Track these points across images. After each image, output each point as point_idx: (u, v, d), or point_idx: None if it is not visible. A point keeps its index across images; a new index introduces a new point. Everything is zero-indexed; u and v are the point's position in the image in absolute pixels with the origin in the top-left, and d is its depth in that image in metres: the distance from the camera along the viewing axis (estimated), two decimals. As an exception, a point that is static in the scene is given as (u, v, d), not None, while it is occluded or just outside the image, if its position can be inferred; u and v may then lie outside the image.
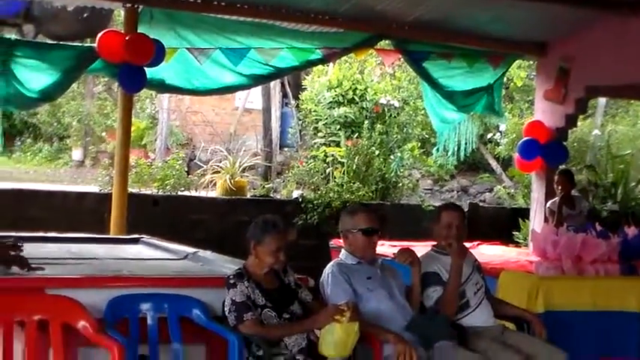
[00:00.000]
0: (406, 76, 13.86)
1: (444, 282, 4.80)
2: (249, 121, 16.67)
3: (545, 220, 8.65)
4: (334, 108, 12.87)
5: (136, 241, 6.64)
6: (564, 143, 9.43)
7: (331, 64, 12.79)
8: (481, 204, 13.15)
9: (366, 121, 12.52)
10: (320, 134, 12.92)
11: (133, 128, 9.15)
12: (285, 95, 15.64)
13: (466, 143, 10.23)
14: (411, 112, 13.34)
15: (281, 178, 13.64)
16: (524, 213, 10.65)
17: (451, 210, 5.08)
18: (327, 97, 12.98)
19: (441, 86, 9.49)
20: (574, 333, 5.31)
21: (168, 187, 10.92)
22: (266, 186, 12.30)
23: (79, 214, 9.27)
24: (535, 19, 8.67)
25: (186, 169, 12.63)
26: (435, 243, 5.08)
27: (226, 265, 5.04)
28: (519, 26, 8.92)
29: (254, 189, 12.40)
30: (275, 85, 14.58)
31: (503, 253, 7.75)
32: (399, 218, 10.81)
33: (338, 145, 12.40)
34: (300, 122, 14.03)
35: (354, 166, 11.74)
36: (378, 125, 12.53)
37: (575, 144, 12.82)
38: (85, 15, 9.66)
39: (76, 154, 15.90)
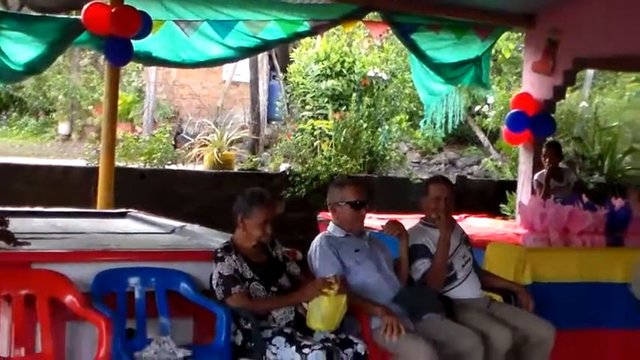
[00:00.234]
0: (394, 48, 13.79)
1: (431, 254, 4.81)
2: (237, 95, 16.58)
3: (533, 192, 8.65)
4: (322, 81, 12.81)
5: (123, 215, 6.62)
6: (552, 115, 9.42)
7: (319, 36, 12.71)
8: (469, 177, 13.15)
9: (354, 94, 12.47)
10: (308, 107, 12.86)
11: (119, 102, 9.09)
12: (272, 68, 15.56)
13: (454, 116, 10.20)
14: (398, 85, 13.29)
15: (268, 151, 13.61)
16: (512, 185, 10.66)
17: (439, 183, 5.08)
18: (315, 69, 12.92)
19: (428, 58, 9.43)
20: (561, 304, 5.33)
21: (155, 161, 10.88)
22: (253, 159, 12.27)
23: (66, 188, 9.22)
24: (524, -10, 8.64)
25: (173, 143, 12.57)
26: (423, 216, 5.09)
27: (214, 238, 5.03)
28: (508, -2, 8.88)
29: (241, 162, 12.37)
30: (262, 58, 14.50)
31: (490, 226, 7.77)
32: (387, 191, 10.82)
33: (326, 118, 12.36)
34: (288, 95, 13.96)
35: (342, 139, 11.71)
36: (366, 98, 12.48)
37: (562, 116, 12.81)
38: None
39: (63, 127, 15.79)
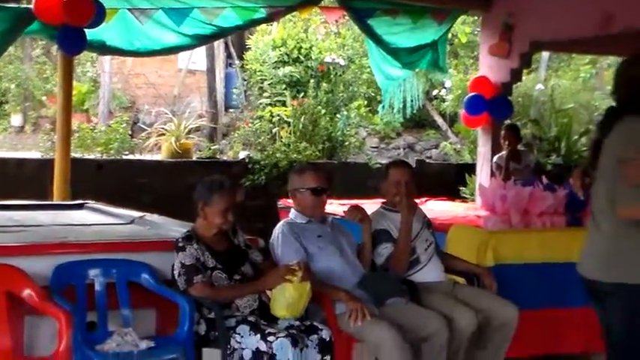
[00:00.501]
0: (351, 34, 13.78)
1: (394, 239, 4.81)
2: (194, 83, 16.43)
3: (492, 174, 8.71)
4: (279, 67, 12.75)
5: (80, 206, 6.52)
6: (509, 98, 9.47)
7: (275, 23, 12.64)
8: (427, 160, 13.21)
9: (312, 80, 12.44)
10: (265, 94, 12.80)
11: (74, 92, 8.97)
12: (229, 55, 15.44)
13: (412, 100, 10.20)
14: (356, 70, 13.28)
15: (227, 139, 13.52)
16: (471, 168, 10.72)
17: (399, 167, 5.07)
18: (272, 56, 12.85)
19: (385, 43, 9.42)
20: (523, 285, 5.36)
21: (112, 152, 10.76)
22: (212, 147, 12.19)
23: (20, 181, 9.07)
24: (479, -27, 8.65)
25: (130, 133, 12.45)
26: (384, 200, 5.07)
27: (174, 228, 4.97)
28: (463, -19, 8.90)
29: (200, 151, 12.28)
30: (219, 45, 14.37)
31: (451, 209, 7.80)
32: (347, 177, 10.82)
33: (284, 104, 12.31)
34: (245, 82, 13.88)
35: (301, 126, 11.68)
36: (324, 84, 12.46)
37: (519, 99, 12.89)
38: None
39: (16, 119, 15.50)
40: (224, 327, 4.02)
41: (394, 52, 9.53)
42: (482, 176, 9.22)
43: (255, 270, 4.35)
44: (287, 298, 4.06)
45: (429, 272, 4.91)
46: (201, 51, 14.12)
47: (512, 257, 5.48)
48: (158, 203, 7.70)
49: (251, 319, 4.09)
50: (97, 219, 5.89)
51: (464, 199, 9.92)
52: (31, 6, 7.39)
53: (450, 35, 11.23)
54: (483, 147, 9.49)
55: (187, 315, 4.03)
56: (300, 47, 12.84)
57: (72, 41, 7.50)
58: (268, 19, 9.31)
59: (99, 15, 7.42)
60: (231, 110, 15.08)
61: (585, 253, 3.56)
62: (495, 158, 8.72)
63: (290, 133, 11.64)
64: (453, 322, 4.41)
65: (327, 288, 4.36)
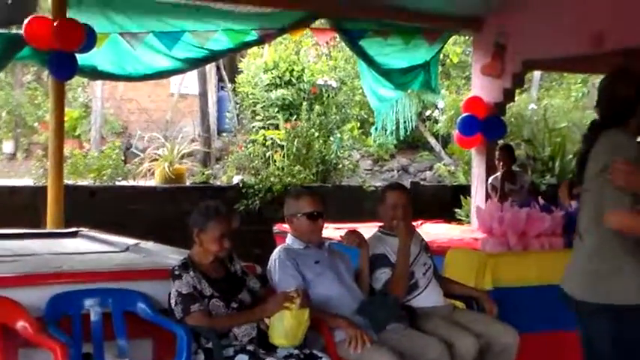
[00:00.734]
0: (342, 55, 13.80)
1: (392, 263, 4.75)
2: (186, 107, 16.42)
3: (487, 196, 8.69)
4: (271, 90, 12.75)
5: (74, 234, 6.44)
6: (502, 118, 9.47)
7: (266, 45, 12.64)
8: (422, 182, 13.19)
9: (305, 103, 12.43)
10: (258, 117, 12.78)
11: (66, 118, 8.90)
12: (220, 79, 15.44)
13: (405, 122, 10.22)
14: (348, 92, 13.30)
15: (220, 163, 13.48)
16: (465, 190, 10.69)
17: (396, 190, 5.03)
18: (264, 79, 12.85)
19: (377, 64, 9.44)
20: (522, 308, 5.30)
21: (105, 178, 10.70)
22: (205, 172, 12.15)
23: (13, 209, 8.99)
24: (470, -6, 8.68)
25: (122, 159, 12.39)
26: (381, 224, 5.03)
27: (170, 255, 4.90)
28: (454, 1, 8.90)
29: (193, 176, 12.23)
30: (210, 69, 14.39)
31: (446, 231, 7.76)
32: (341, 200, 10.78)
33: (277, 128, 12.29)
34: (238, 106, 13.86)
35: (294, 149, 11.65)
36: (317, 106, 12.45)
37: (512, 119, 12.91)
38: (10, 1, 9.33)
39: (7, 146, 15.46)
40: (222, 357, 3.94)
41: (386, 73, 9.55)
42: (478, 198, 9.19)
43: (252, 297, 4.29)
44: (285, 325, 3.99)
45: (428, 297, 4.85)
46: (192, 75, 14.12)
47: (511, 280, 5.43)
48: (152, 230, 7.63)
49: (249, 348, 4.02)
50: (91, 247, 5.81)
51: (459, 222, 9.90)
52: (22, 31, 7.36)
53: (441, 56, 11.25)
54: (478, 168, 9.48)
55: (185, 345, 3.95)
56: (292, 70, 12.85)
57: (63, 66, 7.47)
58: (260, 42, 9.32)
59: (90, 40, 7.41)
60: (224, 134, 15.06)
61: (570, 272, 3.56)
62: (490, 179, 8.69)
63: (284, 157, 11.60)
64: (454, 347, 4.35)
65: (326, 315, 4.30)
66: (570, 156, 12.93)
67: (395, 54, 9.52)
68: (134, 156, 13.23)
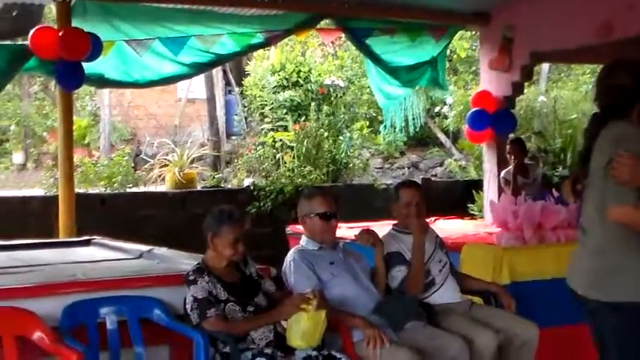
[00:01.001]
0: (349, 55, 13.76)
1: (407, 261, 4.72)
2: (194, 112, 16.40)
3: (500, 190, 8.62)
4: (279, 92, 12.72)
5: (87, 242, 6.43)
6: (512, 111, 9.41)
7: (272, 47, 12.62)
8: (433, 179, 13.13)
9: (313, 103, 12.39)
10: (267, 120, 12.76)
11: (74, 127, 8.90)
12: (227, 83, 15.41)
13: (413, 119, 10.19)
14: (356, 91, 13.25)
15: (230, 167, 13.45)
16: (477, 184, 10.64)
17: (410, 188, 5.01)
18: (272, 81, 12.82)
19: (384, 62, 9.41)
20: (541, 302, 5.26)
21: (115, 185, 10.68)
22: (216, 176, 12.12)
23: (25, 219, 9.01)
24: (475, -12, 8.64)
25: (132, 165, 12.36)
26: (395, 222, 4.99)
27: (183, 260, 4.89)
28: (460, -3, 8.88)
29: (204, 180, 12.21)
30: (217, 73, 14.34)
31: (461, 227, 7.72)
32: (353, 199, 10.74)
33: (286, 129, 12.26)
34: (246, 109, 13.84)
35: (304, 150, 11.61)
36: (325, 106, 12.42)
37: (521, 112, 12.84)
38: (15, 13, 9.35)
39: (17, 157, 15.46)
40: (240, 361, 3.92)
41: (393, 71, 9.52)
42: (490, 192, 9.15)
43: (268, 300, 4.26)
44: (303, 327, 3.96)
45: (445, 293, 4.82)
46: (199, 79, 14.11)
47: (528, 274, 5.39)
48: (165, 235, 7.65)
49: (267, 351, 4.00)
50: (104, 255, 5.80)
51: (472, 216, 9.84)
52: (27, 42, 7.35)
53: (448, 51, 11.21)
54: (489, 162, 9.43)
55: (202, 350, 3.93)
56: (299, 71, 12.82)
57: (70, 76, 7.46)
58: (266, 44, 9.29)
59: (95, 48, 7.39)
60: (233, 137, 15.02)
61: (574, 268, 3.50)
62: (503, 173, 8.63)
63: (294, 158, 11.57)
64: (473, 343, 4.32)
65: (343, 315, 4.27)
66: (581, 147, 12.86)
67: (401, 51, 9.48)
68: (144, 162, 13.20)
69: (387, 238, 4.82)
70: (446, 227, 7.33)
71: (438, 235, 5.11)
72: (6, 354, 3.83)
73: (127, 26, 8.02)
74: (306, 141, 11.66)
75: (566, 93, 15.02)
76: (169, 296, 4.27)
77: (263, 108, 12.85)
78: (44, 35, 7.31)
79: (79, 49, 7.26)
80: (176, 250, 5.41)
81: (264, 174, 11.47)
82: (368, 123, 13.52)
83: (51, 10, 9.14)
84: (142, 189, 11.16)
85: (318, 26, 9.40)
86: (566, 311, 5.38)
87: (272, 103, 12.68)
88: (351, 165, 12.34)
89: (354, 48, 11.33)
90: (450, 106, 14.07)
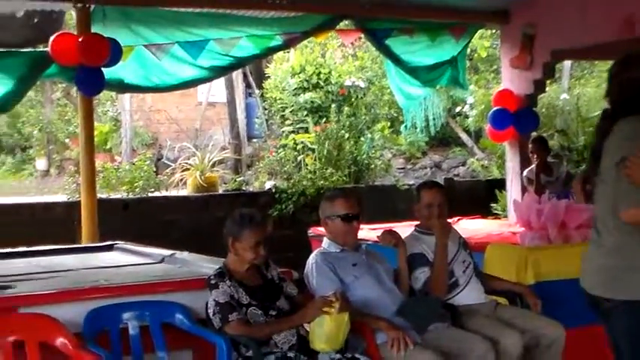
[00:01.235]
0: (369, 55, 13.72)
1: (430, 262, 4.68)
2: (214, 115, 16.43)
3: (523, 189, 8.56)
4: (299, 94, 12.71)
5: (110, 247, 6.45)
6: (534, 109, 9.34)
7: (292, 49, 12.61)
8: (456, 178, 13.07)
9: (333, 105, 12.38)
10: (288, 122, 12.75)
11: (96, 132, 8.94)
12: (248, 85, 15.42)
13: (434, 118, 10.12)
14: (377, 92, 13.21)
15: (252, 170, 13.45)
16: (500, 184, 10.57)
17: (431, 188, 4.96)
18: (292, 83, 12.82)
19: (404, 62, 9.36)
20: (566, 302, 5.17)
21: (137, 190, 10.70)
22: (237, 179, 12.11)
23: (49, 224, 9.02)
24: (495, -14, 8.58)
25: (154, 170, 12.39)
26: (417, 223, 4.95)
27: (205, 264, 4.87)
28: (480, -5, 8.83)
29: (225, 183, 12.21)
30: (237, 76, 14.34)
31: (484, 227, 7.66)
32: (375, 200, 10.71)
33: (307, 131, 12.24)
34: (266, 111, 13.84)
35: (325, 152, 11.59)
36: (346, 108, 12.40)
37: (544, 110, 12.74)
38: (36, 20, 9.39)
39: (40, 163, 15.56)
40: (263, 365, 3.90)
41: (413, 71, 9.47)
42: (513, 191, 9.08)
43: (291, 303, 4.23)
44: (325, 330, 3.93)
45: (469, 294, 4.77)
46: (220, 83, 14.11)
47: (553, 273, 5.32)
48: (187, 239, 7.63)
49: (290, 354, 3.97)
50: (127, 260, 5.80)
51: (496, 216, 9.77)
52: (48, 49, 7.38)
53: (468, 50, 11.14)
54: (512, 161, 9.36)
55: (225, 354, 3.91)
56: (319, 72, 12.80)
57: (90, 82, 7.47)
58: (285, 46, 9.29)
59: (115, 54, 7.41)
60: (254, 140, 15.03)
61: (586, 267, 3.43)
62: (525, 172, 8.56)
63: (315, 160, 11.55)
64: (499, 344, 4.26)
65: (366, 317, 4.24)
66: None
67: (421, 51, 9.43)
68: (165, 166, 13.24)
69: (409, 240, 4.78)
70: (469, 227, 7.28)
71: (461, 236, 5.05)
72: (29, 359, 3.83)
73: (146, 31, 8.03)
74: (327, 143, 11.64)
75: (588, 90, 14.89)
76: (191, 301, 4.26)
77: (283, 110, 12.85)
78: (64, 41, 7.34)
79: (99, 54, 7.27)
80: (198, 254, 5.40)
81: (285, 176, 11.46)
82: (389, 123, 13.48)
83: (72, 17, 9.16)
84: (164, 193, 11.18)
85: (338, 27, 9.37)
86: (589, 311, 5.35)
87: (292, 106, 12.67)
88: (372, 166, 12.30)
89: (373, 49, 11.29)
90: (471, 105, 14.00)
